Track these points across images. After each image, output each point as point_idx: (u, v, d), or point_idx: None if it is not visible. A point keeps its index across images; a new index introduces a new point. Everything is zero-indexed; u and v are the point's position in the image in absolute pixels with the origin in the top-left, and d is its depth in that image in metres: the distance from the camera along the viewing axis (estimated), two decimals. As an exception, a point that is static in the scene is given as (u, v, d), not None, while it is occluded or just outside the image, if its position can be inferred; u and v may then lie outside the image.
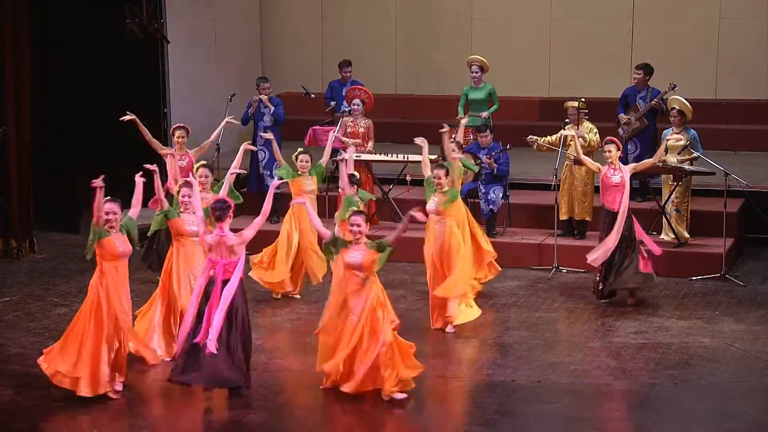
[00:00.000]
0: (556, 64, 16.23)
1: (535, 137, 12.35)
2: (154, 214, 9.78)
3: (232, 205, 8.62)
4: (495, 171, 12.40)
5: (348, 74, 14.14)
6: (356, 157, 13.07)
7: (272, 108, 13.32)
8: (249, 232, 8.55)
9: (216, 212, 8.46)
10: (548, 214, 12.18)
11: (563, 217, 12.41)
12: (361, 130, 13.21)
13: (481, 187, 12.50)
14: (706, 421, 8.44)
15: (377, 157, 13.18)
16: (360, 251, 8.52)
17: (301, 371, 9.31)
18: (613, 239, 10.69)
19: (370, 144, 13.21)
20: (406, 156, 13.09)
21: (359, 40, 16.67)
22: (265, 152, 13.35)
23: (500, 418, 8.25)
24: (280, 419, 8.38)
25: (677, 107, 12.22)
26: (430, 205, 10.31)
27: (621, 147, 11.15)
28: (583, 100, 12.41)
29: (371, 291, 8.50)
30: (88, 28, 14.23)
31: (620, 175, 10.82)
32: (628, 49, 15.74)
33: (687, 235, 12.20)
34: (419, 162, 13.18)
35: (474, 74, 13.63)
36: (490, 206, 12.45)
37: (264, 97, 13.35)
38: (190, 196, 9.23)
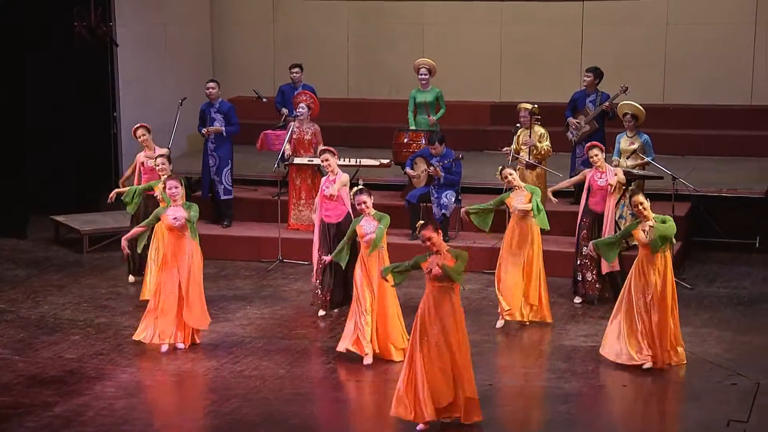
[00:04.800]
0: (507, 69, 16.33)
1: (510, 148, 12.36)
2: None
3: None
4: (442, 180, 12.43)
5: (296, 76, 13.96)
6: (308, 161, 13.08)
7: (223, 132, 13.07)
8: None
9: None
10: (500, 218, 12.21)
11: (514, 220, 12.46)
12: (308, 136, 13.12)
13: (434, 192, 12.53)
14: (654, 423, 8.53)
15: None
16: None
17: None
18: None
19: (320, 148, 13.14)
20: (358, 160, 13.08)
21: (311, 44, 16.64)
22: (216, 158, 13.24)
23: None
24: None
25: (630, 112, 12.33)
26: None
27: (603, 149, 11.30)
28: (535, 105, 12.51)
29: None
30: (37, 31, 14.08)
31: (606, 178, 11.02)
32: (578, 55, 15.90)
33: (636, 239, 12.31)
34: (371, 166, 13.32)
35: (422, 77, 13.65)
36: (443, 210, 12.48)
37: (213, 129, 13.04)
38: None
